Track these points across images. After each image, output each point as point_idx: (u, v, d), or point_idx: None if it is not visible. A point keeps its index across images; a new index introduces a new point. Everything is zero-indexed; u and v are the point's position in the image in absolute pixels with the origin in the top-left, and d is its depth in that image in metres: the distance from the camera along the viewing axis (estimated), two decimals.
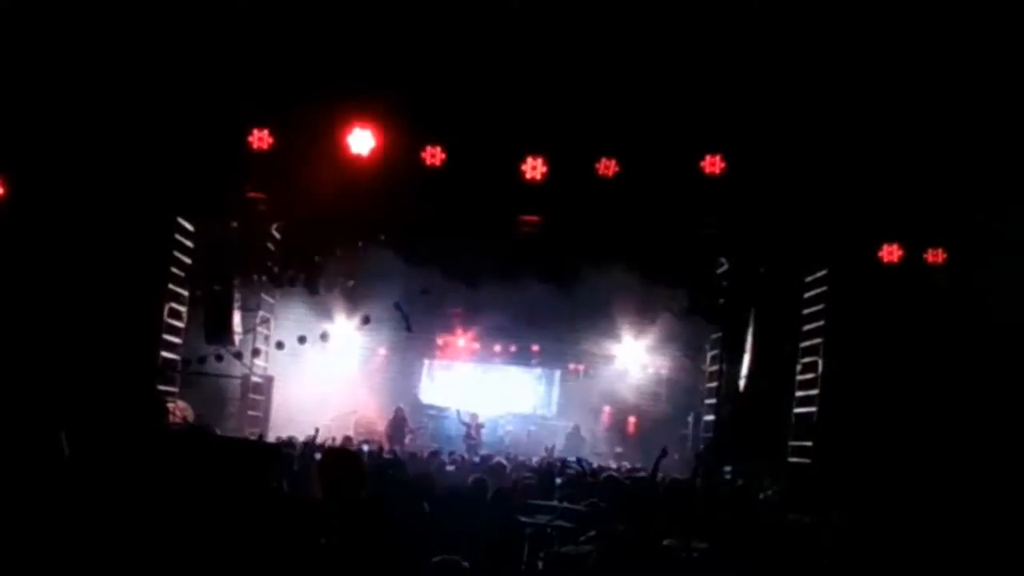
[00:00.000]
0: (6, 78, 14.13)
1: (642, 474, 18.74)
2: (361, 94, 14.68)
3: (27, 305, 14.85)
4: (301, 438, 20.18)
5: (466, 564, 11.28)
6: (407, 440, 28.94)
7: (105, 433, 12.53)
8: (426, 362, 33.73)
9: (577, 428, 31.90)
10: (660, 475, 16.45)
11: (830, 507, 13.31)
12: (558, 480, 17.15)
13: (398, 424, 30.02)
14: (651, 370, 32.40)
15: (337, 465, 9.14)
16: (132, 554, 11.24)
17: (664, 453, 16.05)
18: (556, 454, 26.98)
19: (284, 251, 25.54)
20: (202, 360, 23.00)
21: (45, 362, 14.68)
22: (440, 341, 32.90)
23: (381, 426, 30.13)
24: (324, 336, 27.54)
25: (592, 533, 12.18)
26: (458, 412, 31.17)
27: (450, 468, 18.16)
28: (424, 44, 14.42)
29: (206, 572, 10.70)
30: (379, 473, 14.40)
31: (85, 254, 15.31)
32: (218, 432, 18.41)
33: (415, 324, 29.11)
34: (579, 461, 22.49)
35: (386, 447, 24.22)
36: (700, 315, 28.57)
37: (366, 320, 28.00)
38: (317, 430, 18.97)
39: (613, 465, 25.29)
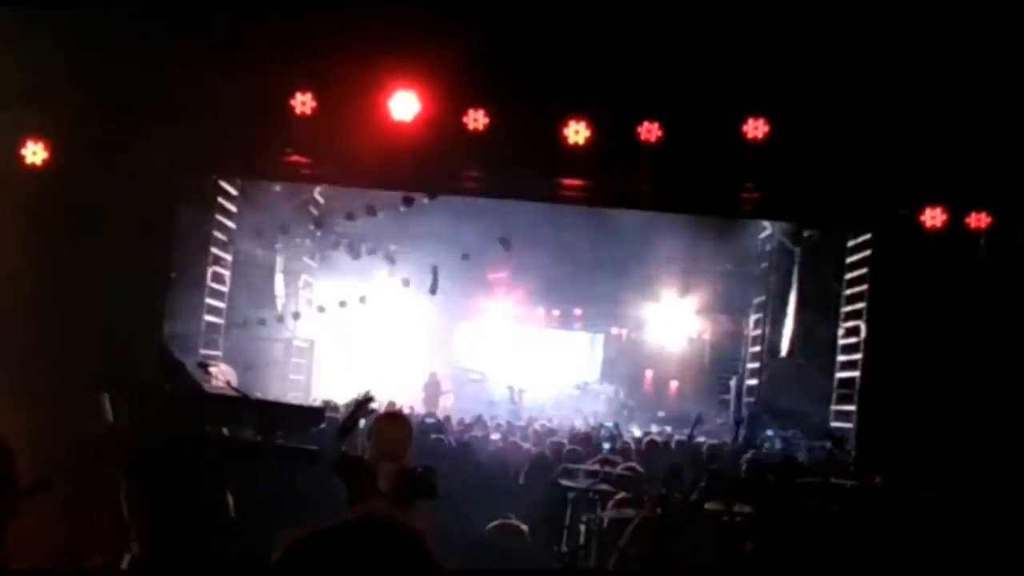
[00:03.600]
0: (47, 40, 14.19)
1: (682, 438, 18.75)
2: (404, 58, 14.65)
3: (69, 269, 14.92)
4: (343, 401, 20.28)
5: (524, 527, 11.33)
6: (441, 403, 29.04)
7: (147, 396, 12.61)
8: (468, 326, 33.78)
9: (618, 392, 31.94)
10: (701, 439, 16.47)
11: (873, 472, 13.30)
12: (606, 446, 17.20)
13: (432, 388, 30.11)
14: (693, 334, 32.42)
15: (389, 427, 9.18)
16: (176, 513, 11.33)
17: (700, 419, 16.09)
18: (599, 419, 27.04)
19: (326, 215, 25.66)
20: (245, 324, 23.12)
21: (87, 325, 14.76)
22: (482, 305, 32.93)
23: (421, 390, 30.26)
24: (363, 300, 27.63)
25: (628, 495, 12.21)
26: (510, 388, 31.23)
27: (495, 437, 18.20)
28: (466, 6, 14.39)
29: (252, 531, 10.78)
30: (422, 438, 14.45)
31: (127, 217, 15.37)
32: (260, 395, 18.51)
33: (457, 288, 29.22)
34: (616, 426, 22.54)
35: (421, 411, 24.33)
36: (743, 278, 28.61)
37: (406, 283, 28.07)
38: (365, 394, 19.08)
39: (655, 429, 25.35)
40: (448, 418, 21.73)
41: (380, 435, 8.95)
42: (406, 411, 20.00)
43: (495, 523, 11.36)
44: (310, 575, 2.84)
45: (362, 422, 10.14)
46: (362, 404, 9.79)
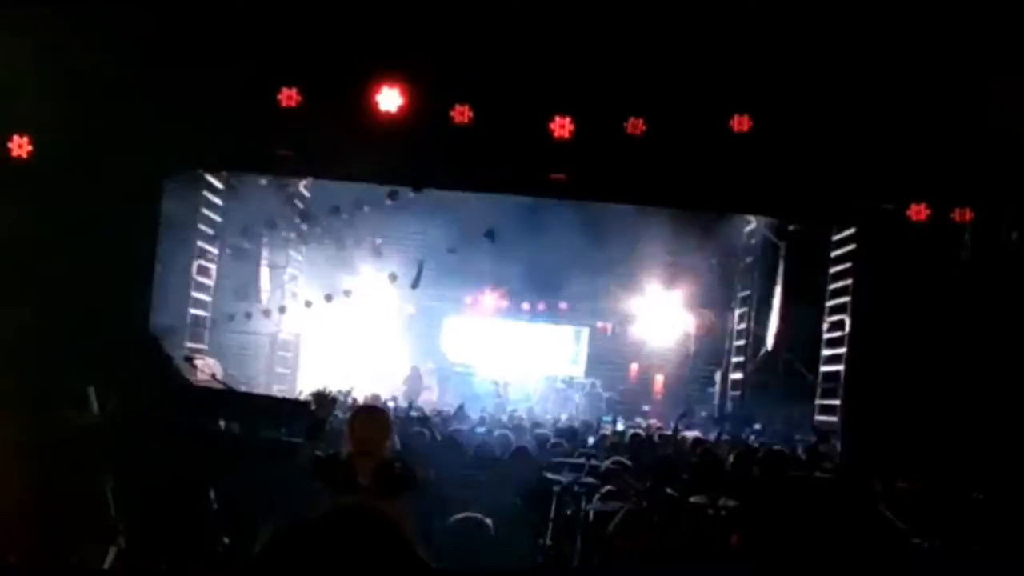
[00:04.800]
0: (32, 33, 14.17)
1: (666, 432, 18.78)
2: (390, 52, 14.66)
3: (55, 262, 14.93)
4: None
5: (488, 521, 11.34)
6: (423, 397, 28.91)
7: (133, 390, 12.61)
8: (454, 319, 33.71)
9: (594, 385, 31.87)
10: (687, 433, 16.49)
11: (858, 465, 13.34)
12: (591, 440, 17.22)
13: (413, 382, 29.99)
14: (679, 328, 32.37)
15: (367, 421, 9.18)
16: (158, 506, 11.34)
17: (685, 414, 16.15)
18: (584, 413, 27.03)
19: (312, 208, 25.64)
20: (231, 318, 23.11)
21: (73, 317, 14.77)
22: (468, 298, 32.85)
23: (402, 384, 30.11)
24: (348, 293, 27.60)
25: (612, 488, 12.22)
26: (495, 383, 31.14)
27: (480, 430, 18.19)
28: (452, 2, 14.42)
29: (237, 524, 10.80)
30: (405, 431, 14.44)
31: (111, 211, 15.36)
32: (245, 389, 18.52)
33: (442, 281, 29.19)
34: (614, 420, 22.55)
35: (402, 405, 24.27)
36: (728, 273, 28.62)
37: (393, 277, 28.01)
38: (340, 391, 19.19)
39: (642, 424, 25.34)
40: (436, 412, 21.68)
41: (358, 429, 8.95)
42: (390, 405, 20.01)
43: (458, 516, 11.41)
44: (292, 566, 2.87)
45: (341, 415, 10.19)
46: (323, 403, 9.82)
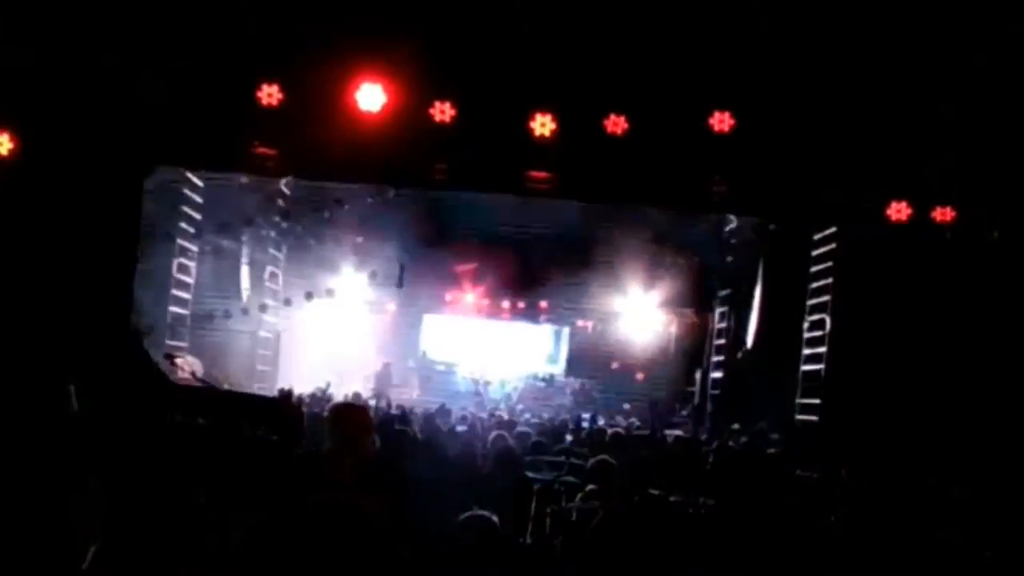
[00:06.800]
0: (13, 29, 14.12)
1: (646, 432, 18.79)
2: (370, 50, 14.64)
3: (36, 259, 14.89)
4: (308, 392, 20.30)
5: (495, 519, 11.34)
6: (404, 396, 28.79)
7: (111, 388, 12.58)
8: (434, 318, 33.68)
9: (584, 384, 31.85)
10: (665, 432, 16.48)
11: (838, 464, 13.35)
12: (568, 438, 17.20)
13: (383, 379, 29.88)
14: (659, 327, 32.37)
15: (348, 419, 9.17)
16: (137, 507, 11.31)
17: (655, 403, 16.17)
18: (566, 412, 26.99)
19: (293, 207, 25.60)
20: (211, 316, 23.07)
21: (54, 317, 14.72)
22: (448, 297, 32.81)
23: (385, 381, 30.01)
24: (330, 292, 27.59)
25: (592, 487, 12.23)
26: (475, 381, 31.12)
27: (461, 428, 18.18)
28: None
29: (212, 526, 10.77)
30: (385, 428, 14.42)
31: (93, 208, 15.32)
32: (226, 387, 18.49)
33: (423, 280, 29.18)
34: (593, 418, 22.55)
35: (381, 404, 24.20)
36: (709, 272, 28.62)
37: (374, 275, 27.99)
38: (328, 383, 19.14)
39: (622, 422, 25.33)
40: (424, 410, 21.63)
41: (339, 426, 8.94)
42: (371, 403, 19.97)
43: (468, 514, 11.39)
44: (273, 558, 2.88)
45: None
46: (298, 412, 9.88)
